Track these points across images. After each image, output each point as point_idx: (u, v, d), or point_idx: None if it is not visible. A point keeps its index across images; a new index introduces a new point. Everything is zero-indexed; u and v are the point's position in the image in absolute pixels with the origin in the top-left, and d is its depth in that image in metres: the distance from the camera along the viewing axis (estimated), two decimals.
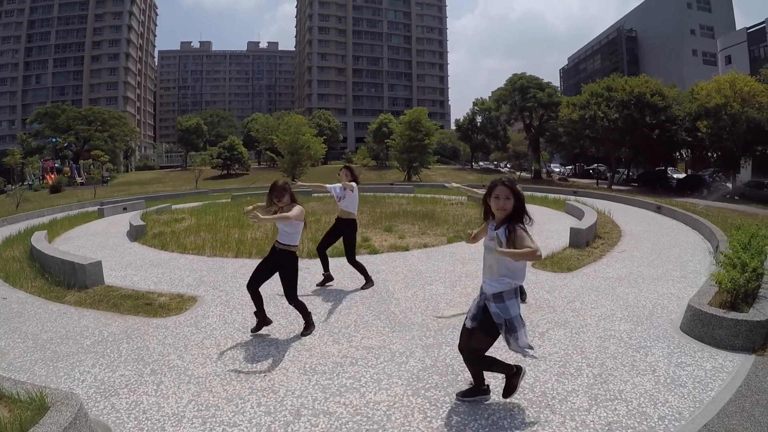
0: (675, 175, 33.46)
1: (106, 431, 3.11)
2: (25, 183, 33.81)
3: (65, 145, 42.92)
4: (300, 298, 4.92)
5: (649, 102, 28.67)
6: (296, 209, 4.55)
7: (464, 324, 3.27)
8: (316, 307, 5.73)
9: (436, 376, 3.79)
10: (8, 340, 4.88)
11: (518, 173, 44.64)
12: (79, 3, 79.32)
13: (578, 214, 11.39)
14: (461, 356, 3.38)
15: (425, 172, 38.02)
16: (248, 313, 5.31)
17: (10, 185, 27.32)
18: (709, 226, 9.48)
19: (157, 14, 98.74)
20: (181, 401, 3.52)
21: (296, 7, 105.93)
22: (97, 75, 79.54)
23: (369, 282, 6.57)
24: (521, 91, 37.86)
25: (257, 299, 4.77)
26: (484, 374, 3.38)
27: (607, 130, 29.16)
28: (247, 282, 4.82)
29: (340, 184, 6.47)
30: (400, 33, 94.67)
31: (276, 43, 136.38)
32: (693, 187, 27.97)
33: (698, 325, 4.41)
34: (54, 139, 44.14)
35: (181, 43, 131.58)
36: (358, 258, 6.69)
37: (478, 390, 3.37)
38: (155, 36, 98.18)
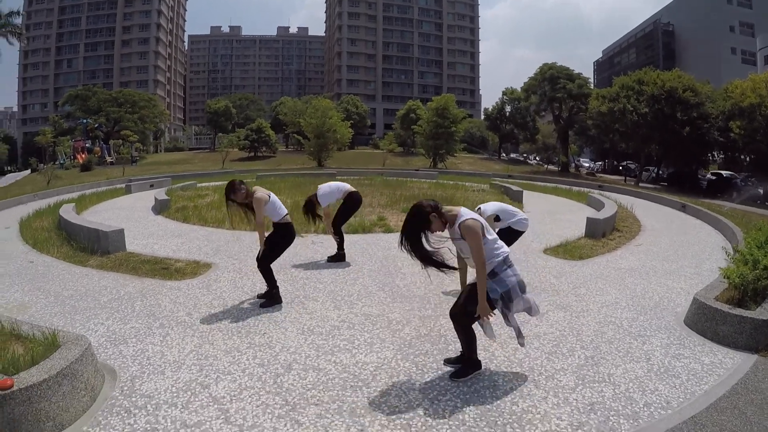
0: (708, 176, 32.39)
1: (111, 373, 3.37)
2: (57, 162, 35.08)
3: (96, 126, 44.07)
4: (311, 269, 5.10)
5: (681, 98, 27.61)
6: (258, 213, 4.76)
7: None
8: (325, 276, 5.93)
9: (428, 344, 3.89)
10: (32, 296, 5.22)
11: (546, 166, 43.85)
12: None
13: (598, 207, 11.22)
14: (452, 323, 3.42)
15: (451, 160, 37.71)
16: (258, 279, 5.45)
17: (42, 164, 28.43)
18: (732, 226, 9.21)
19: None
20: (183, 351, 3.77)
21: None
22: (128, 59, 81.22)
23: (339, 256, 6.73)
24: (551, 81, 36.96)
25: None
26: (477, 347, 3.41)
27: (636, 125, 28.27)
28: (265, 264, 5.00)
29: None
30: (431, 20, 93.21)
31: (306, 29, 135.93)
32: (723, 189, 26.99)
33: (702, 320, 4.32)
34: (85, 120, 45.41)
35: (211, 27, 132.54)
36: (372, 236, 7.18)
37: (470, 365, 3.37)
38: (185, 21, 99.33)
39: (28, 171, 36.09)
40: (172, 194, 13.57)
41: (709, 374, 3.54)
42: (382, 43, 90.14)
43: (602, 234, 8.56)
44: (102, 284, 5.67)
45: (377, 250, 7.40)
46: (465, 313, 3.19)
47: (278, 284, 5.08)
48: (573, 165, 44.57)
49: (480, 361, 3.43)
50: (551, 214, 11.84)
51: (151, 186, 16.97)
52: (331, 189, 6.67)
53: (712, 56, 57.71)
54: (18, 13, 39.11)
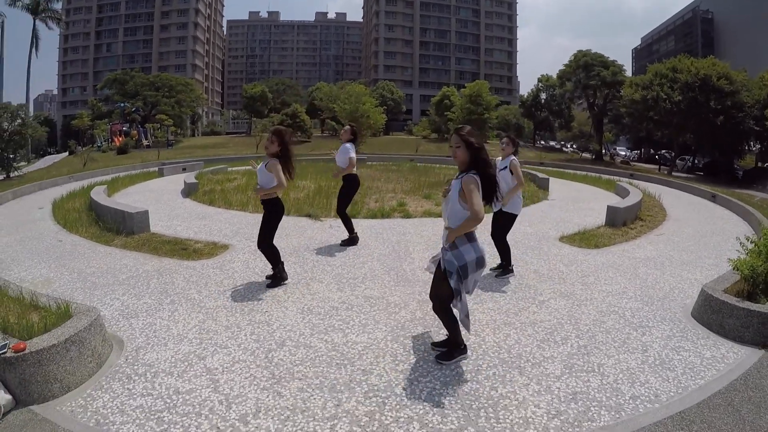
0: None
1: (119, 343, 3.64)
2: (95, 145, 36.52)
3: (133, 109, 45.23)
4: (323, 253, 5.19)
5: (715, 86, 26.15)
6: (275, 171, 4.74)
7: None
8: (335, 259, 6.06)
9: (421, 327, 3.94)
10: (56, 272, 5.59)
11: (581, 154, 42.54)
12: None
13: (625, 195, 10.86)
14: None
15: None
16: (264, 262, 5.63)
17: (80, 147, 29.68)
18: (759, 217, 8.74)
19: None
20: (188, 325, 4.00)
21: None
22: (166, 43, 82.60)
23: (352, 240, 6.78)
24: (585, 69, 35.67)
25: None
26: (461, 332, 3.43)
27: (670, 113, 27.02)
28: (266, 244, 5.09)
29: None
30: (469, 6, 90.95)
31: (344, 14, 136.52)
32: (759, 179, 25.54)
33: (708, 312, 4.17)
34: (122, 104, 46.81)
35: (250, 12, 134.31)
36: (390, 221, 7.20)
37: (455, 349, 3.40)
38: (223, 6, 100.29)
39: (66, 153, 37.61)
40: (202, 178, 14.01)
41: (707, 369, 3.43)
42: (419, 29, 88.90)
43: (623, 223, 8.30)
44: (123, 263, 5.99)
45: (392, 234, 7.45)
46: (437, 296, 3.24)
47: (286, 265, 5.22)
48: (608, 153, 43.08)
49: (466, 345, 3.46)
50: (575, 202, 11.54)
51: (183, 170, 17.54)
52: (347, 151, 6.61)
53: (752, 44, 54.65)
54: None
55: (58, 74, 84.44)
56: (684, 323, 4.23)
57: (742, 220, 9.87)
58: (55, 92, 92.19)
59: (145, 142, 37.65)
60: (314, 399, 2.91)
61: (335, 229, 7.71)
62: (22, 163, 24.30)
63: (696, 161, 36.08)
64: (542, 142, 57.99)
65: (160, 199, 11.35)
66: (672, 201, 12.13)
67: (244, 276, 5.40)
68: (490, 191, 3.10)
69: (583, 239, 7.31)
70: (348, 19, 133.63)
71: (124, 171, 18.51)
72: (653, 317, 4.35)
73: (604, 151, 41.82)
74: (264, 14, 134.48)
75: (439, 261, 3.21)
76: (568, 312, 4.39)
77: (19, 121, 18.25)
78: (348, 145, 6.60)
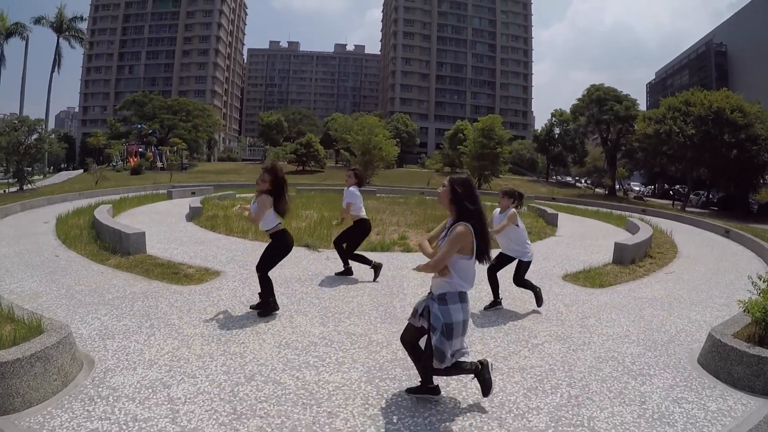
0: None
1: (90, 363, 3.58)
2: (111, 164, 37.25)
3: (150, 131, 46.27)
4: (314, 284, 5.09)
5: (729, 119, 25.83)
6: (260, 205, 4.79)
7: (409, 319, 3.16)
8: (324, 292, 5.85)
9: (399, 369, 3.69)
10: (45, 287, 5.62)
11: (594, 189, 42.15)
12: (172, 0, 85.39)
13: (636, 232, 10.57)
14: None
15: (496, 181, 37.01)
16: (257, 290, 5.49)
17: (96, 165, 30.30)
18: None
19: (246, 14, 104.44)
20: (161, 351, 3.90)
21: (382, 11, 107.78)
22: (187, 68, 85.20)
23: (346, 270, 6.69)
24: (598, 103, 35.77)
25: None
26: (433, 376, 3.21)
27: (683, 147, 26.69)
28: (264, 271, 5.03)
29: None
30: (485, 41, 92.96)
31: (362, 47, 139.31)
32: None
33: (716, 359, 3.84)
34: (139, 126, 47.92)
35: (270, 42, 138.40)
36: (389, 254, 7.58)
37: (425, 388, 3.20)
38: (244, 34, 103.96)
39: (81, 170, 38.29)
40: (208, 203, 14.06)
41: (712, 423, 3.11)
42: (435, 63, 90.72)
43: (631, 260, 8.00)
44: (112, 282, 5.95)
45: (388, 269, 7.15)
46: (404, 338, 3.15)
47: (276, 295, 5.08)
48: (621, 189, 42.60)
49: (438, 386, 3.24)
50: (583, 238, 11.24)
51: (193, 193, 17.67)
52: (355, 196, 6.58)
53: (766, 76, 54.09)
54: (81, 18, 42.48)
55: (80, 92, 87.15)
56: (689, 371, 3.90)
57: (757, 257, 9.54)
58: (77, 109, 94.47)
59: (159, 165, 38.29)
60: None
61: (331, 261, 7.53)
62: (36, 177, 24.91)
63: (710, 196, 35.47)
64: (557, 177, 57.74)
65: (164, 221, 11.36)
66: (684, 237, 11.79)
67: (230, 304, 5.25)
68: (480, 248, 2.96)
69: (588, 278, 7.02)
70: (366, 51, 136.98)
71: (134, 191, 18.73)
72: (655, 364, 4.02)
73: (617, 186, 41.40)
74: (284, 44, 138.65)
75: (421, 312, 3.06)
76: (563, 357, 4.08)
77: (36, 135, 18.70)
78: (351, 189, 6.53)
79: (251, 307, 5.06)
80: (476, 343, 4.31)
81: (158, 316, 4.75)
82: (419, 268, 2.98)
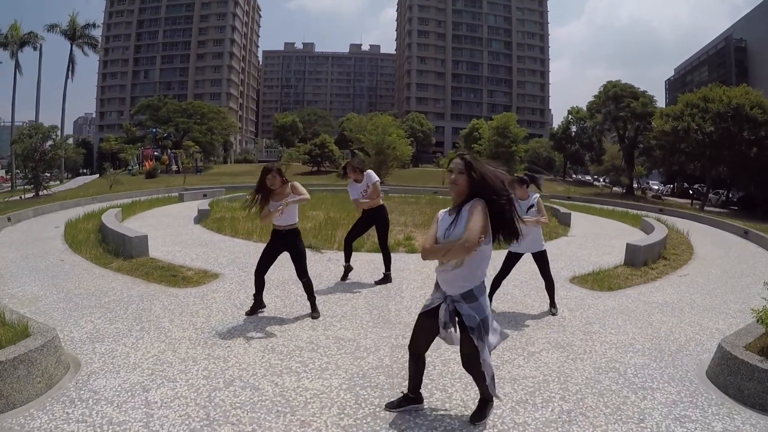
0: None
1: (76, 365, 3.62)
2: (127, 168, 37.89)
3: (165, 135, 47.00)
4: (315, 287, 5.12)
5: (749, 115, 24.96)
6: (301, 188, 4.78)
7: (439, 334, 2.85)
8: (319, 295, 5.70)
9: (383, 377, 3.55)
10: (46, 291, 5.67)
11: (612, 188, 41.33)
12: (185, 5, 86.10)
13: (650, 231, 10.22)
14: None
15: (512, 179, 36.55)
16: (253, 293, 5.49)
17: (112, 169, 30.82)
18: None
19: (260, 16, 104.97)
20: (147, 354, 3.89)
21: (397, 10, 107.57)
22: (202, 72, 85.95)
23: (386, 278, 6.43)
24: (615, 100, 35.06)
25: (261, 284, 4.97)
26: (422, 382, 3.06)
27: (701, 144, 25.88)
28: (256, 268, 4.97)
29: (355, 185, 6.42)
30: (501, 38, 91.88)
31: (378, 46, 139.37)
32: None
33: (725, 372, 3.52)
34: (154, 130, 48.68)
35: (285, 43, 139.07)
36: (398, 255, 7.15)
37: (407, 399, 3.04)
38: (259, 36, 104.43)
39: (97, 175, 38.97)
40: (217, 205, 14.07)
41: None
42: (451, 61, 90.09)
43: (644, 262, 7.68)
44: (111, 286, 5.96)
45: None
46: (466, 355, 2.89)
47: (270, 298, 5.11)
48: (640, 188, 41.67)
49: (421, 395, 3.09)
50: (595, 239, 10.90)
51: (204, 196, 17.77)
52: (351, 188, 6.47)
53: None
54: (94, 25, 43.29)
55: (96, 98, 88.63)
56: (696, 385, 3.62)
57: None
58: (94, 115, 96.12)
59: (174, 168, 38.76)
60: None
61: (333, 263, 7.43)
62: (54, 183, 25.43)
63: (730, 195, 34.45)
64: (575, 176, 56.83)
65: (172, 224, 11.41)
66: (701, 238, 11.33)
67: (223, 307, 5.18)
68: (508, 225, 2.66)
69: (597, 280, 6.74)
70: (382, 51, 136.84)
71: (147, 195, 18.93)
72: (660, 376, 3.74)
73: (636, 185, 40.50)
74: (299, 45, 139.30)
75: (446, 322, 2.75)
76: (559, 367, 3.85)
77: (51, 142, 19.07)
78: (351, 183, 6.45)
79: (247, 314, 4.93)
80: None
81: (150, 319, 4.73)
82: (449, 254, 2.57)
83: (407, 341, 4.12)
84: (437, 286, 2.81)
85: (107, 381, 3.37)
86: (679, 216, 16.89)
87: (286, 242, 4.88)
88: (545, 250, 5.17)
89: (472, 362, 2.78)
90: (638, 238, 9.54)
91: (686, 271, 7.80)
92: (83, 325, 4.48)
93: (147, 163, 37.97)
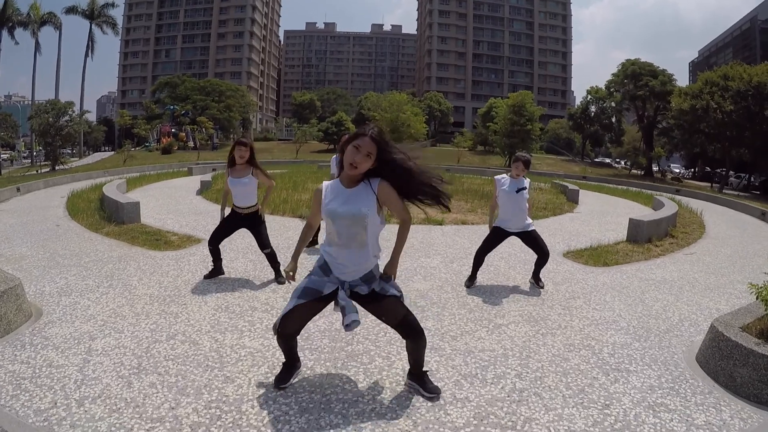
0: None
1: (38, 313, 3.74)
2: (145, 144, 38.33)
3: (182, 113, 47.17)
4: (287, 256, 5.04)
5: None
6: (265, 175, 4.83)
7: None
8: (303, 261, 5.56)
9: (327, 340, 3.38)
10: (33, 251, 5.77)
11: (630, 170, 40.12)
12: None
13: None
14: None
15: None
16: (229, 258, 5.51)
17: (132, 147, 31.13)
18: None
19: None
20: (105, 308, 3.91)
21: None
22: (223, 51, 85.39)
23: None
24: (633, 78, 33.71)
25: (217, 253, 4.86)
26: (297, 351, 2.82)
27: (721, 124, 24.55)
28: (209, 238, 4.87)
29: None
30: (522, 18, 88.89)
31: (399, 26, 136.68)
32: None
33: (716, 356, 3.10)
34: (172, 107, 48.91)
35: (306, 23, 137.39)
36: (387, 226, 6.49)
37: (290, 367, 2.77)
38: (280, 16, 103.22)
39: (113, 152, 39.59)
40: (222, 178, 14.01)
41: None
42: (472, 41, 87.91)
43: (647, 239, 7.30)
44: (96, 248, 6.01)
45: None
46: (403, 321, 2.59)
47: (244, 261, 5.15)
48: (660, 169, 40.31)
49: (300, 360, 2.86)
50: (601, 215, 10.47)
51: (214, 170, 17.87)
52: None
53: None
54: (113, 4, 43.44)
55: (118, 77, 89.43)
56: (681, 369, 3.18)
57: None
58: (116, 94, 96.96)
59: (191, 144, 39.12)
60: (155, 396, 2.60)
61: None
62: (73, 159, 25.88)
63: (752, 179, 33.09)
64: (596, 159, 55.35)
65: (173, 195, 11.45)
66: (715, 218, 10.81)
67: (193, 269, 5.13)
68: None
69: (593, 255, 6.40)
70: (403, 31, 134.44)
71: (159, 169, 19.13)
72: (640, 358, 3.33)
73: (656, 168, 39.21)
74: (321, 25, 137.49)
75: (370, 293, 2.51)
76: (525, 342, 3.50)
77: (67, 118, 19.29)
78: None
79: (205, 277, 4.82)
80: (429, 319, 3.88)
81: (121, 278, 4.75)
82: (404, 241, 2.58)
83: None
84: (326, 270, 2.50)
85: (60, 329, 3.44)
86: (696, 197, 16.20)
87: (246, 225, 4.84)
88: (534, 229, 4.87)
89: (412, 322, 2.53)
90: (644, 215, 9.14)
91: (693, 249, 7.37)
92: (57, 281, 4.56)
93: (164, 140, 38.38)
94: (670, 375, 3.10)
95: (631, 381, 2.99)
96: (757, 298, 3.41)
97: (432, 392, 2.66)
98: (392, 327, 2.53)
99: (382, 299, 2.48)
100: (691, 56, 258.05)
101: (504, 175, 4.91)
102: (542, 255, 4.83)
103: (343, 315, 2.41)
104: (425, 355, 2.69)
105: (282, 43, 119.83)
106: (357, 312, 2.44)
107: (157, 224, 7.56)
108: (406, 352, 2.70)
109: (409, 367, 2.74)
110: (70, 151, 20.90)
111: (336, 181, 2.49)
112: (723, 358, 3.05)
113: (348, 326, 2.39)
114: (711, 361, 3.16)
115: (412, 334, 2.52)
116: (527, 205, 4.82)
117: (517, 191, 4.70)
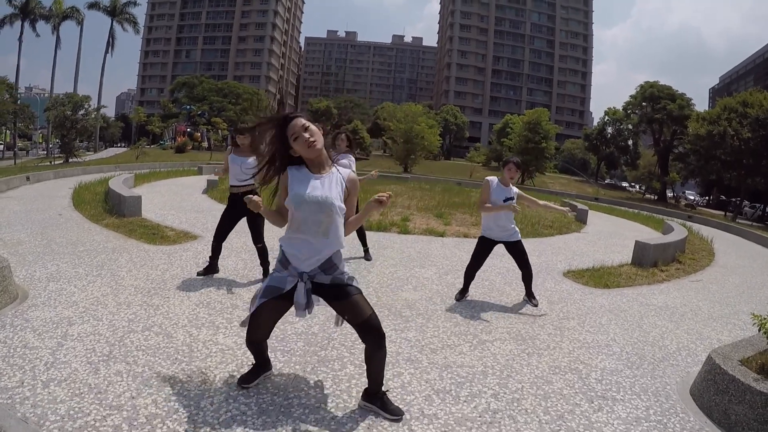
0: None
1: (24, 296, 3.78)
2: (160, 142, 38.81)
3: (199, 113, 47.80)
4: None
5: None
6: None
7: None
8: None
9: (302, 343, 3.29)
10: (31, 237, 5.83)
11: (644, 194, 39.59)
12: None
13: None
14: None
15: (541, 178, 35.45)
16: (222, 256, 5.28)
17: (148, 145, 31.50)
18: None
19: (304, 2, 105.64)
20: (89, 296, 3.92)
21: (440, 2, 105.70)
22: (243, 54, 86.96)
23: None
24: (651, 101, 33.45)
25: (218, 250, 4.81)
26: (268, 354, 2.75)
27: (738, 152, 24.16)
28: (214, 234, 4.83)
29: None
30: (543, 36, 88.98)
31: (420, 39, 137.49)
32: None
33: (711, 390, 2.90)
34: (188, 107, 49.62)
35: (328, 31, 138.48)
36: (382, 234, 7.17)
37: (258, 368, 2.71)
38: (301, 23, 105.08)
39: (127, 148, 40.19)
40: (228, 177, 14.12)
41: None
42: (492, 57, 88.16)
43: (653, 263, 7.09)
44: (93, 238, 6.04)
45: (373, 247, 6.57)
46: (369, 322, 2.43)
47: (236, 260, 5.07)
48: (674, 195, 39.71)
49: (270, 361, 2.77)
50: (608, 236, 10.27)
51: (225, 170, 17.92)
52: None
53: None
54: (135, 3, 44.37)
55: (138, 75, 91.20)
56: (673, 402, 2.98)
57: None
58: (136, 92, 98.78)
59: (205, 144, 39.57)
60: (119, 384, 2.59)
61: None
62: (89, 153, 26.26)
63: (767, 209, 32.42)
64: (611, 181, 54.82)
65: (179, 192, 11.53)
66: (726, 247, 10.53)
67: (184, 264, 5.10)
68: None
69: (593, 276, 6.22)
70: (424, 44, 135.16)
71: (170, 167, 19.34)
72: (630, 386, 3.14)
73: (671, 193, 38.64)
74: (342, 34, 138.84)
75: (337, 287, 2.42)
76: (508, 361, 3.34)
77: (83, 111, 19.63)
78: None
79: (198, 274, 4.76)
80: (412, 330, 3.76)
81: (111, 268, 4.74)
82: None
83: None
84: (284, 262, 2.40)
85: (42, 313, 3.46)
86: (708, 224, 15.89)
87: (245, 213, 4.65)
88: (520, 240, 4.71)
89: (375, 324, 2.38)
90: (653, 239, 8.93)
91: (700, 276, 7.15)
92: (48, 267, 4.58)
93: (179, 138, 38.88)
94: (659, 407, 2.91)
95: (616, 410, 2.80)
96: (759, 330, 3.19)
97: (394, 414, 2.46)
98: (353, 326, 2.40)
99: (347, 296, 2.39)
100: (712, 83, 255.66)
101: (494, 178, 4.69)
102: (526, 269, 4.68)
103: (297, 309, 2.37)
104: (385, 371, 2.52)
105: (302, 49, 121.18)
106: (311, 304, 2.39)
107: (158, 219, 7.59)
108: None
109: (366, 386, 2.54)
110: (85, 145, 21.14)
111: (302, 167, 2.40)
112: (718, 392, 2.85)
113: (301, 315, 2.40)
114: (705, 395, 2.96)
115: (373, 336, 2.36)
116: (513, 215, 4.62)
117: (504, 201, 4.53)
